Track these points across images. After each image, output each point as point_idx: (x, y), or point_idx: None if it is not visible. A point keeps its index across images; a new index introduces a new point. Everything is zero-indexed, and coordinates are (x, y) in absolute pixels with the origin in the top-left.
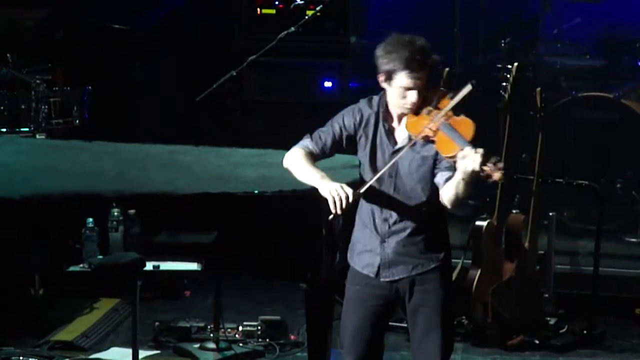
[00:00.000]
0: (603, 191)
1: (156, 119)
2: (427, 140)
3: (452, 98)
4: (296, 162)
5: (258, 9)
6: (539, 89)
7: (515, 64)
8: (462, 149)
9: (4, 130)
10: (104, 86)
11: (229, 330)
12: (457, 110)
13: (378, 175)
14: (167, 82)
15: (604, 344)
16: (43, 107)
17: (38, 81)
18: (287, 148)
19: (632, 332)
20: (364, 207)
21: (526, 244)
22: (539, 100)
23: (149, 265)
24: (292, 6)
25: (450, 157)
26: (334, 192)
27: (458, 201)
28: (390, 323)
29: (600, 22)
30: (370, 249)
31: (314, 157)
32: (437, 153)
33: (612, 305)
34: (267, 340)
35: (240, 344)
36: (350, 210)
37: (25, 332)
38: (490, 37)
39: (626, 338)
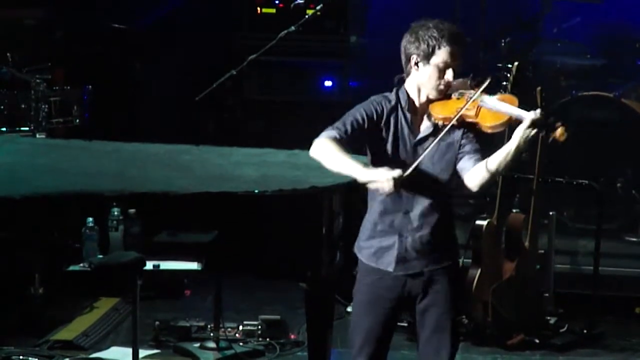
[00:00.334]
0: (603, 190)
1: (156, 118)
2: (463, 122)
3: (478, 83)
4: (329, 152)
5: (258, 8)
6: (539, 88)
7: (515, 63)
8: (515, 116)
9: (4, 129)
10: (104, 85)
11: (229, 329)
12: (490, 91)
13: (420, 158)
14: (167, 81)
15: (604, 344)
16: (43, 106)
17: (38, 80)
18: (288, 147)
19: (632, 332)
20: (382, 201)
21: (526, 244)
22: (539, 100)
23: (149, 265)
24: (292, 5)
25: (497, 129)
26: (384, 178)
27: (496, 177)
28: None
29: (600, 22)
30: (388, 244)
31: (344, 147)
32: (462, 138)
33: (612, 305)
34: (268, 339)
35: (241, 344)
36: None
37: (25, 331)
38: (491, 36)
39: (626, 337)
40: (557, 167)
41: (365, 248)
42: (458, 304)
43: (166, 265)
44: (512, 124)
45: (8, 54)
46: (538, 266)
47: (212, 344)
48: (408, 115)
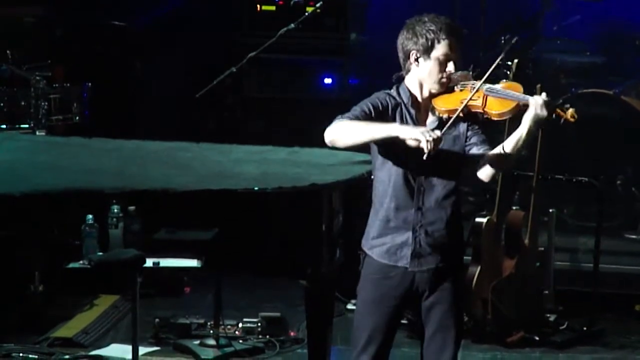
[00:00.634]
0: (603, 188)
1: (156, 116)
2: (469, 113)
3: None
4: (351, 126)
5: (258, 6)
6: (538, 85)
7: (515, 60)
8: (523, 101)
9: (4, 126)
10: (104, 83)
11: (229, 326)
12: (491, 81)
13: (449, 122)
14: (167, 79)
15: (604, 341)
16: (43, 103)
17: (38, 78)
18: (288, 144)
19: (632, 329)
20: (393, 197)
21: (526, 241)
22: None
23: (149, 262)
24: (292, 3)
25: (505, 116)
26: (424, 135)
27: (509, 164)
28: None
29: (600, 19)
30: (402, 240)
31: None
32: (467, 130)
33: (612, 302)
34: (267, 336)
35: (240, 341)
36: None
37: (25, 328)
38: (491, 34)
39: (626, 335)
40: (557, 165)
41: (377, 246)
42: (462, 300)
43: (166, 262)
44: (521, 110)
45: (8, 52)
46: (538, 263)
47: (212, 341)
48: (412, 111)
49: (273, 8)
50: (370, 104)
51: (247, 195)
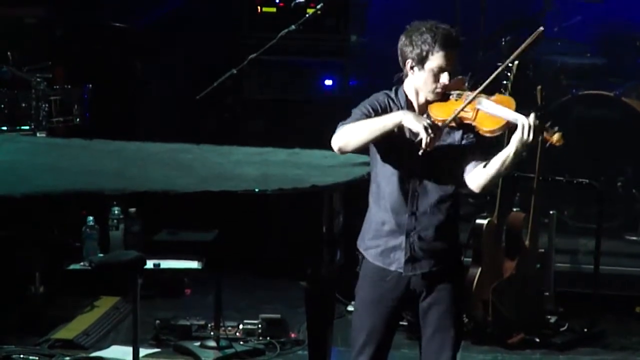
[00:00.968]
0: (603, 189)
1: (157, 117)
2: (461, 123)
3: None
4: (356, 126)
5: (259, 7)
6: (539, 87)
7: (516, 62)
8: (512, 120)
9: (5, 128)
10: (105, 84)
11: (230, 328)
12: (488, 90)
13: (453, 115)
14: (167, 80)
15: (605, 342)
16: (43, 105)
17: (38, 79)
18: (288, 146)
19: (632, 331)
20: (388, 200)
21: (526, 242)
22: (539, 99)
23: (150, 264)
24: (292, 4)
25: (495, 133)
26: (426, 129)
27: (497, 178)
28: None
29: (600, 21)
30: (395, 244)
31: None
32: (462, 139)
33: (612, 304)
34: (268, 338)
35: (241, 342)
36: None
37: (26, 330)
38: (491, 34)
39: (627, 336)
40: (557, 166)
41: (371, 247)
42: (460, 302)
43: (166, 264)
44: (511, 127)
45: (8, 53)
46: (538, 265)
47: (212, 343)
48: None
49: (274, 9)
50: (369, 106)
51: (247, 197)
